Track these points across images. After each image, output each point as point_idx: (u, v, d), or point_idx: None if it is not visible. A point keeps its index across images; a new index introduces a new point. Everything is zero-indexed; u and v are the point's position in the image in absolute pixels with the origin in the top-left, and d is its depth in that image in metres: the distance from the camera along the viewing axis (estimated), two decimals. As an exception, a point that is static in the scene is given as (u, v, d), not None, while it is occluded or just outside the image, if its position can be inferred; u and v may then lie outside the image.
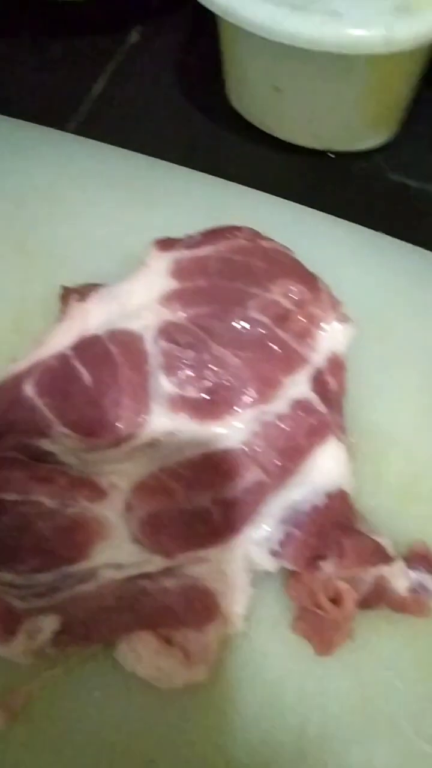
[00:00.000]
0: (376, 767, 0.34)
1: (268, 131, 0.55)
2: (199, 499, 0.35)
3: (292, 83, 0.49)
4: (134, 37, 0.62)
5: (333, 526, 0.36)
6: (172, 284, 0.40)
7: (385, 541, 0.37)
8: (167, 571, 0.35)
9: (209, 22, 0.50)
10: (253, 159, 0.56)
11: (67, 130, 0.55)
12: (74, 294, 0.41)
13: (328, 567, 0.36)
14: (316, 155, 0.56)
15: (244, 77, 0.53)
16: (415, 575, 0.37)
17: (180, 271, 0.40)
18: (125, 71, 0.61)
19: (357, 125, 0.53)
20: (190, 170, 0.50)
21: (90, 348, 0.38)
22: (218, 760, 0.34)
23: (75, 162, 0.50)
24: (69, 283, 0.43)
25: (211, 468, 0.35)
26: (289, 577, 0.37)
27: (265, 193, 0.49)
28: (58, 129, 0.53)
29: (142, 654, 0.34)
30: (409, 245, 0.48)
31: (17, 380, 0.37)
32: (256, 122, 0.56)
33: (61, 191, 0.49)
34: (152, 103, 0.60)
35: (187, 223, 0.43)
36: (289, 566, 0.36)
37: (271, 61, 0.48)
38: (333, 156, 0.56)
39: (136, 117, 0.59)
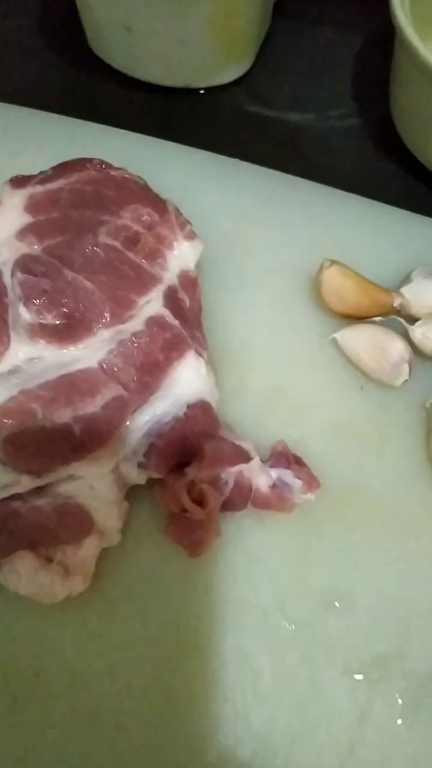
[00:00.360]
0: (247, 651, 0.36)
1: (126, 72, 0.56)
2: (59, 416, 0.35)
3: (142, 22, 0.50)
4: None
5: (195, 436, 0.38)
6: (27, 219, 0.40)
7: (247, 445, 0.39)
8: (39, 491, 0.36)
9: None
10: (117, 101, 0.57)
11: None
12: None
13: (191, 472, 0.37)
14: (177, 93, 0.57)
15: (97, 20, 0.53)
16: (276, 473, 0.38)
17: (34, 206, 0.40)
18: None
19: (210, 59, 0.53)
20: (48, 113, 0.50)
21: None
22: (101, 664, 0.36)
23: None
24: None
25: (70, 387, 0.36)
26: (157, 486, 0.38)
27: (122, 129, 0.49)
28: None
29: (21, 573, 0.35)
30: (265, 169, 0.49)
31: None
32: (115, 64, 0.56)
33: None
34: (15, 55, 0.60)
35: (49, 165, 0.44)
36: (154, 475, 0.37)
37: (117, 3, 0.49)
38: (194, 92, 0.57)
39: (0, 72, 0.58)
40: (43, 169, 0.44)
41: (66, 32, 0.59)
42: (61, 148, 0.47)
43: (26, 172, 0.44)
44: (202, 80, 0.55)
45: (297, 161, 0.51)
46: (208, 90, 0.56)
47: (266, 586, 0.38)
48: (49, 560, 0.36)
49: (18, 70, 0.59)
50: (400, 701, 0.35)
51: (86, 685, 0.35)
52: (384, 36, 0.56)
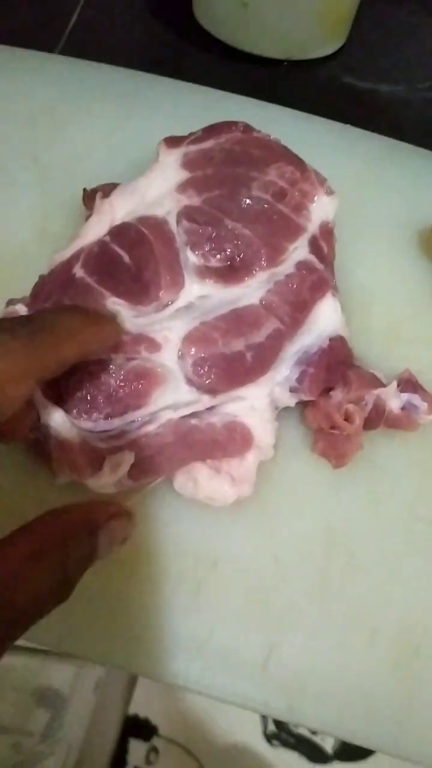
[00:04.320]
0: (387, 550, 0.42)
1: (235, 45, 0.59)
2: (235, 345, 0.40)
3: (258, -1, 0.53)
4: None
5: (337, 363, 0.42)
6: (184, 175, 0.44)
7: (378, 374, 0.44)
8: (212, 410, 0.41)
9: None
10: (223, 73, 0.60)
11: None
12: (98, 193, 0.44)
13: (337, 395, 0.42)
14: (278, 65, 0.60)
15: (212, -4, 0.56)
16: (406, 396, 0.43)
17: (189, 163, 0.44)
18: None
19: (314, 35, 0.57)
20: (175, 80, 0.53)
21: (124, 233, 0.42)
22: (266, 554, 0.41)
23: (70, 80, 0.53)
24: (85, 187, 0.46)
25: (240, 320, 0.40)
26: (306, 407, 0.43)
27: (242, 96, 0.53)
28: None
29: (198, 480, 0.40)
30: (369, 133, 0.53)
31: (66, 266, 0.41)
32: (224, 38, 0.59)
33: (63, 108, 0.52)
34: (126, 25, 0.62)
35: (178, 126, 0.47)
36: (306, 397, 0.42)
37: (238, -21, 0.52)
38: (292, 64, 0.60)
39: (112, 40, 0.62)
40: (174, 130, 0.47)
41: (171, 6, 0.62)
42: (188, 112, 0.51)
43: (159, 133, 0.47)
44: (303, 53, 0.59)
45: (389, 130, 0.55)
46: (306, 62, 0.60)
47: (397, 493, 0.43)
48: (217, 471, 0.41)
49: (132, 45, 0.61)
50: None
51: (255, 571, 0.40)
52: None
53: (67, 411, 0.39)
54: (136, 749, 1.10)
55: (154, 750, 1.10)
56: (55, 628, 0.39)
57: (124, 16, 0.63)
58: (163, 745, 1.10)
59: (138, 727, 1.10)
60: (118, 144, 0.51)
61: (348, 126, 0.52)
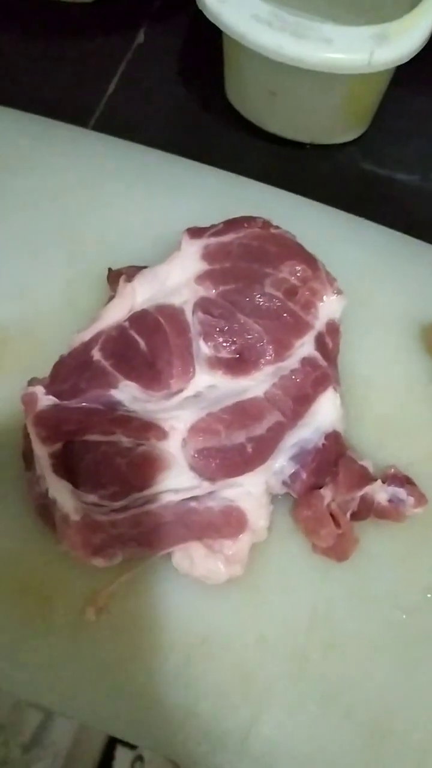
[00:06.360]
0: (367, 635, 0.44)
1: (262, 127, 0.62)
2: (237, 437, 0.42)
3: (286, 89, 0.56)
4: (140, 37, 0.67)
5: (328, 464, 0.45)
6: (203, 266, 0.46)
7: (367, 463, 0.46)
8: (210, 494, 0.43)
9: (209, 24, 0.52)
10: (247, 150, 0.62)
11: (88, 127, 0.60)
12: (122, 275, 0.47)
13: (327, 494, 0.44)
14: (301, 147, 0.63)
15: (243, 82, 0.59)
16: (392, 489, 0.46)
17: (209, 255, 0.47)
18: (134, 71, 0.65)
19: (338, 124, 0.60)
20: (202, 164, 0.56)
21: (142, 320, 0.45)
22: (251, 635, 0.43)
23: (103, 158, 0.55)
24: (110, 265, 0.49)
25: (243, 412, 0.43)
26: (295, 504, 0.45)
27: (264, 184, 0.55)
28: (80, 126, 0.58)
29: (194, 558, 0.43)
30: (380, 226, 0.55)
31: (85, 347, 0.44)
32: (253, 119, 0.62)
33: (94, 185, 0.54)
34: (158, 101, 0.65)
35: (201, 211, 0.50)
36: (295, 495, 0.44)
37: (269, 73, 0.54)
38: (314, 147, 0.63)
39: (144, 114, 0.64)
40: (198, 213, 0.50)
41: (204, 83, 0.64)
42: (212, 198, 0.53)
43: (184, 215, 0.50)
44: (326, 139, 0.62)
45: (401, 218, 0.57)
46: (328, 145, 0.63)
47: (383, 580, 0.45)
48: (211, 550, 0.43)
49: (164, 120, 0.64)
50: None
51: (241, 648, 0.43)
52: None
53: (75, 485, 0.41)
54: (123, 757, 1.12)
55: (140, 759, 1.12)
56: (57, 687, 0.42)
57: (158, 90, 0.65)
58: (149, 755, 1.12)
59: (126, 735, 1.12)
60: (142, 222, 0.53)
61: (360, 218, 0.55)
